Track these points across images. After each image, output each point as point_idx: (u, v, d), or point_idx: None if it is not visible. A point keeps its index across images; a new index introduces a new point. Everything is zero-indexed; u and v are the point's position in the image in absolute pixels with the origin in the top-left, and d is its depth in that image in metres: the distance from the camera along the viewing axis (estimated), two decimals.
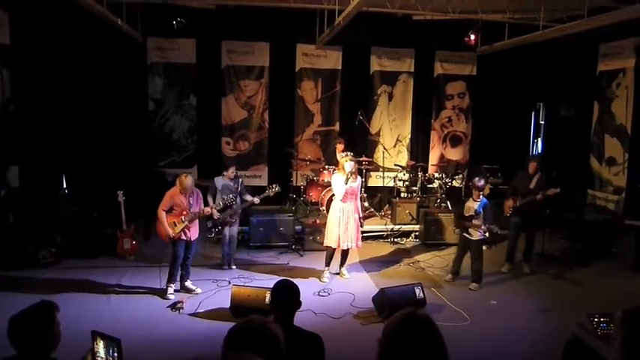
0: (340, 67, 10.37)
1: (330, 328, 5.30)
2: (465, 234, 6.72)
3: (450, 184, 9.60)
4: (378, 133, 10.60)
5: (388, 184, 10.16)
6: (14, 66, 7.86)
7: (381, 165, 10.12)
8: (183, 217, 6.08)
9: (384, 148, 10.15)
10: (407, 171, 9.81)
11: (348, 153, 8.06)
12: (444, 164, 10.92)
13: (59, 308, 2.53)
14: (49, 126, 8.40)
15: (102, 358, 2.89)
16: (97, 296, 6.08)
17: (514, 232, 7.35)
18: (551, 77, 10.32)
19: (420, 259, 7.91)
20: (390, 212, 9.45)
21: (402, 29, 9.80)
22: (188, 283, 6.34)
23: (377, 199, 10.27)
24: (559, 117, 10.76)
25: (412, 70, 10.63)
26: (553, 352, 4.32)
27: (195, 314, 5.67)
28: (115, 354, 2.84)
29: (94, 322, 4.10)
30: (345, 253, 6.93)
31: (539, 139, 11.37)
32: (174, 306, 5.79)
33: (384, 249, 8.48)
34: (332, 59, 10.31)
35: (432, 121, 10.95)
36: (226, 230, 7.02)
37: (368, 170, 9.95)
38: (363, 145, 10.33)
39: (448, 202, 9.36)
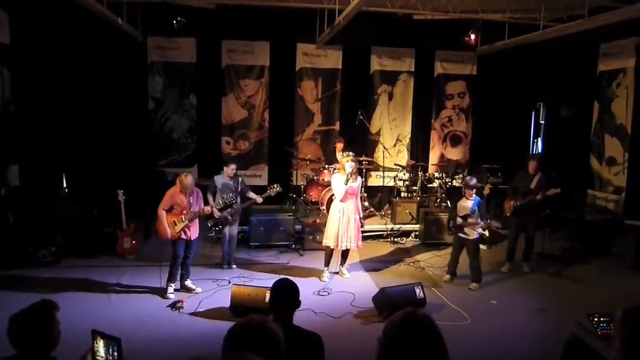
0: (340, 67, 10.37)
1: (330, 327, 5.29)
2: (460, 234, 6.70)
3: (450, 183, 9.60)
4: (378, 133, 10.59)
5: (388, 184, 10.15)
6: (14, 66, 7.88)
7: (381, 164, 10.11)
8: (183, 217, 6.08)
9: (384, 148, 10.14)
10: (407, 170, 9.81)
11: (349, 153, 8.00)
12: (444, 164, 10.92)
13: (59, 307, 2.53)
14: (49, 125, 8.41)
15: (102, 357, 2.90)
16: (97, 295, 6.08)
17: (514, 232, 7.37)
18: (552, 77, 10.31)
19: (420, 259, 7.91)
20: (390, 212, 9.45)
21: (402, 29, 9.80)
22: (188, 283, 6.34)
23: (377, 199, 10.26)
24: (559, 117, 10.76)
25: (412, 69, 10.63)
26: (553, 351, 4.32)
27: (195, 313, 5.67)
28: (115, 353, 2.85)
29: (93, 322, 4.10)
30: (345, 253, 6.93)
31: (539, 139, 11.37)
32: (174, 305, 5.79)
33: (384, 248, 8.48)
34: (332, 59, 10.31)
35: (432, 120, 10.95)
36: (226, 229, 7.02)
37: (368, 170, 9.94)
38: (363, 144, 10.32)
39: (448, 202, 9.34)
